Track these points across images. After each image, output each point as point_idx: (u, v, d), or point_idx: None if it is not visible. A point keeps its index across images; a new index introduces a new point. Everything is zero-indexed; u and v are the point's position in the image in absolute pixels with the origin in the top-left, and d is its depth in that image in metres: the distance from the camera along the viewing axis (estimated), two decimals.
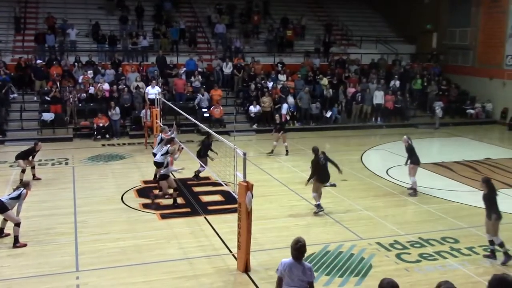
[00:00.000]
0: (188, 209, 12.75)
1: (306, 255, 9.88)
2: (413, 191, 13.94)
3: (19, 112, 21.57)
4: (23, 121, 21.39)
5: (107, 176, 14.94)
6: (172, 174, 13.53)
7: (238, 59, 26.21)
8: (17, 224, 10.27)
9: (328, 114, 24.49)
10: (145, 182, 14.99)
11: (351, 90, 25.46)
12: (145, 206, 12.87)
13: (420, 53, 31.20)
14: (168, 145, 13.65)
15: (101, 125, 21.27)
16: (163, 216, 12.21)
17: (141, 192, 14.00)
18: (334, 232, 11.33)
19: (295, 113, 24.12)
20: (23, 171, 14.74)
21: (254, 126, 23.45)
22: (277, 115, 19.71)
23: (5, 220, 10.62)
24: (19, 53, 24.40)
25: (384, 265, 9.72)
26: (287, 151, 18.20)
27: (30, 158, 15.11)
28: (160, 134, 15.23)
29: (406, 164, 14.15)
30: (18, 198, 10.36)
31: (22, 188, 10.51)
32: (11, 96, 22.47)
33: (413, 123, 25.46)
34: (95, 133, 21.23)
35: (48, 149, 19.06)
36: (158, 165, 13.83)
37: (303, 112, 24.24)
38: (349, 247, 10.44)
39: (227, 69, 25.70)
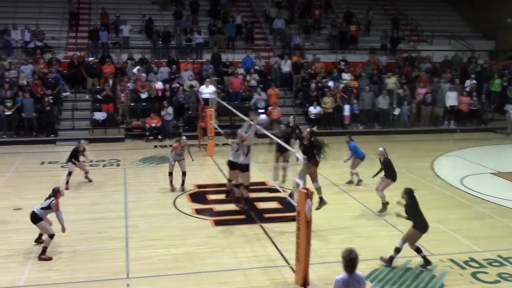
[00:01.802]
0: (243, 216, 12.77)
1: (369, 271, 9.83)
2: (384, 206, 12.97)
3: (71, 111, 22.38)
4: (75, 120, 22.20)
5: (158, 179, 15.20)
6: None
7: (298, 57, 26.12)
8: (50, 236, 10.31)
9: (397, 111, 23.99)
10: (199, 186, 15.15)
11: (421, 90, 24.85)
12: (198, 211, 13.00)
13: (499, 50, 30.06)
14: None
15: (153, 125, 21.72)
16: (217, 223, 12.29)
17: (194, 197, 14.16)
18: None
19: (358, 115, 23.83)
20: (69, 173, 15.02)
21: (314, 129, 23.15)
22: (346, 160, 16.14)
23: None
24: (72, 50, 25.32)
25: (458, 285, 9.40)
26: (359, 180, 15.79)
27: (80, 159, 15.31)
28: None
29: (374, 176, 13.43)
30: (49, 208, 10.36)
31: (52, 198, 10.39)
32: (63, 94, 23.31)
33: (491, 127, 24.53)
34: (147, 133, 21.70)
35: (99, 149, 19.66)
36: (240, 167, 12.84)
37: (365, 114, 23.91)
38: (418, 263, 10.14)
39: (286, 67, 25.66)
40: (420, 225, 9.84)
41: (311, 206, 8.75)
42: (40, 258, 10.16)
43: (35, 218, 10.34)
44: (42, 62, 23.57)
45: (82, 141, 15.49)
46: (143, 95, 22.93)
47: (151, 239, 11.24)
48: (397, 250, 10.00)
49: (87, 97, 23.65)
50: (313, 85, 24.19)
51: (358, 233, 11.65)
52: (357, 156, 15.11)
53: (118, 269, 9.82)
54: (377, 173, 13.28)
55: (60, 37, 26.73)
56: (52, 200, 10.33)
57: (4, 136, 21.00)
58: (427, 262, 10.03)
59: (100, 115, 21.99)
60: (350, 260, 6.24)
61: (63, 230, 10.40)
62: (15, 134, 21.21)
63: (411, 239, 9.96)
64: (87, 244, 10.94)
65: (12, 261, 10.10)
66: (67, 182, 14.63)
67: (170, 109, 21.95)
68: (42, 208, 10.38)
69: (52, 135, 21.38)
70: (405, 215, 9.97)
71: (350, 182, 15.46)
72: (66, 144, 20.32)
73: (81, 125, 22.22)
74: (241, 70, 25.01)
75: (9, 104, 21.04)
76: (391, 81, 25.18)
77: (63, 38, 26.74)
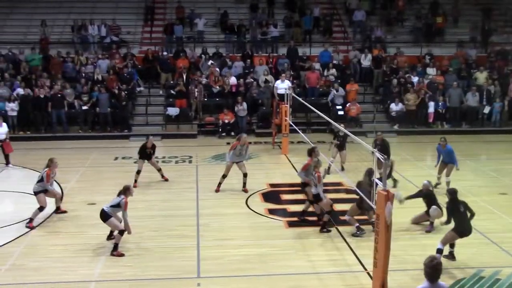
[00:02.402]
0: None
1: (454, 280, 9.52)
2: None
3: (144, 106, 23.12)
4: (148, 116, 22.91)
5: (231, 177, 15.40)
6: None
7: (379, 50, 25.68)
8: (120, 232, 10.59)
9: (487, 109, 23.09)
10: (272, 185, 15.22)
11: None
12: (271, 211, 13.07)
13: None
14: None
15: (226, 121, 22.03)
16: (291, 224, 12.31)
17: (267, 196, 14.24)
18: (489, 254, 10.69)
19: (444, 113, 23.13)
20: (138, 172, 15.24)
21: (396, 127, 22.82)
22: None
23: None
24: (146, 44, 26.12)
25: None
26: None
27: (151, 157, 15.42)
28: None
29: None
30: (118, 206, 10.59)
31: (122, 196, 10.60)
32: (138, 89, 24.12)
33: None
34: (220, 130, 22.05)
35: (171, 145, 20.20)
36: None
37: (452, 112, 23.17)
38: (509, 275, 9.73)
39: (366, 61, 25.30)
40: (458, 228, 10.09)
41: (391, 209, 8.56)
42: (112, 254, 10.56)
43: (105, 216, 10.68)
44: (118, 57, 24.49)
45: (150, 137, 15.61)
46: (217, 90, 23.29)
47: (222, 239, 11.43)
48: (439, 251, 9.96)
49: (160, 92, 24.36)
50: (395, 81, 23.70)
51: None
52: (452, 162, 14.32)
53: (189, 268, 10.05)
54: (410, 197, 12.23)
55: (135, 31, 27.66)
56: (122, 199, 10.59)
57: (80, 131, 22.04)
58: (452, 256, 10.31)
59: (173, 111, 22.56)
60: (432, 267, 6.07)
61: (128, 232, 10.59)
62: (90, 129, 22.20)
63: (449, 240, 10.19)
64: (159, 241, 11.27)
65: (86, 255, 10.57)
66: (135, 181, 15.00)
67: (244, 105, 22.19)
68: (111, 206, 10.69)
69: (126, 131, 22.19)
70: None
71: (437, 185, 14.54)
72: (140, 140, 20.99)
73: (154, 120, 22.91)
74: (318, 65, 24.89)
75: (85, 99, 22.05)
76: (481, 77, 24.25)
77: (138, 33, 27.65)
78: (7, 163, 17.44)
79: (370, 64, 25.29)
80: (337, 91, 23.17)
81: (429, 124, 23.15)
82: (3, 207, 13.95)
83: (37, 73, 23.28)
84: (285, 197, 14.40)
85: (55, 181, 13.85)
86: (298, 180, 15.50)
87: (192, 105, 22.90)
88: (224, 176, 14.52)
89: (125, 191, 10.72)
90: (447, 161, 14.44)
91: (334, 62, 25.22)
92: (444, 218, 10.59)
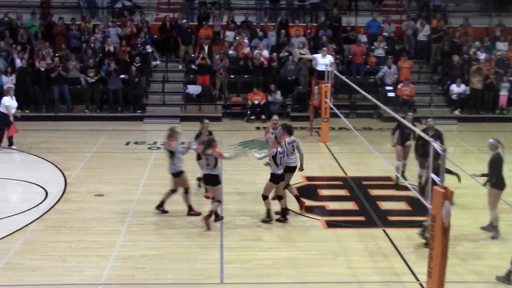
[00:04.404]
0: (362, 218, 12.75)
1: None
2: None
3: (161, 83, 23.24)
4: (165, 94, 23.02)
5: (260, 168, 15.43)
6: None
7: (439, 21, 25.39)
8: (219, 201, 12.09)
9: None
10: (308, 178, 15.28)
11: None
12: (307, 209, 13.13)
13: None
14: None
15: (256, 102, 22.11)
16: (330, 224, 12.36)
17: (303, 191, 14.25)
18: None
19: None
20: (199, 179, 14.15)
21: (457, 112, 22.61)
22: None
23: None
24: (164, 11, 26.26)
25: None
26: None
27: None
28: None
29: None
30: (216, 164, 11.95)
31: (209, 150, 11.86)
32: (153, 63, 24.28)
33: None
34: (249, 112, 22.14)
35: (192, 130, 20.26)
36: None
37: None
38: None
39: (423, 33, 25.06)
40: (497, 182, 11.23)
41: (449, 210, 8.55)
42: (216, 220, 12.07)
43: (217, 180, 11.98)
44: (130, 25, 24.61)
45: (206, 120, 14.48)
46: (245, 66, 23.32)
47: (249, 239, 11.54)
48: None
49: (180, 67, 24.51)
50: (457, 57, 23.45)
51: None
52: None
53: (211, 272, 10.19)
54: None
55: None
56: (213, 152, 11.79)
57: (87, 111, 22.33)
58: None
59: (194, 89, 22.68)
60: None
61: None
62: (98, 109, 22.48)
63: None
64: (177, 240, 11.44)
65: (93, 254, 10.77)
66: (199, 185, 14.19)
67: (278, 94, 22.23)
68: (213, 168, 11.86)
69: (139, 111, 22.40)
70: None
71: None
72: (155, 122, 21.26)
73: (172, 100, 23.07)
74: (365, 37, 24.73)
75: (91, 74, 22.12)
76: None
77: None
78: (10, 144, 17.74)
79: (428, 37, 25.04)
80: (388, 68, 23.00)
81: (498, 110, 22.87)
82: None
83: (37, 42, 23.61)
84: (323, 192, 14.45)
85: None
86: (339, 173, 15.56)
87: (216, 82, 23.01)
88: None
89: (210, 145, 11.90)
90: None
91: (384, 34, 25.06)
92: None
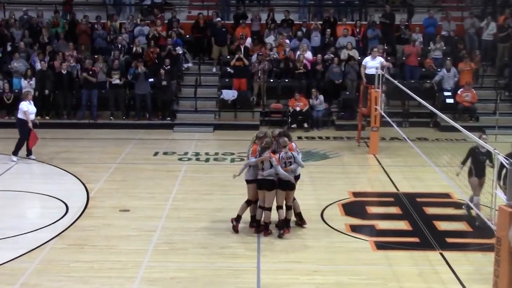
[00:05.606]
0: (416, 239, 12.60)
1: None
2: None
3: (193, 87, 23.38)
4: (198, 100, 23.08)
5: (302, 182, 15.38)
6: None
7: (506, 18, 25.09)
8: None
9: None
10: (355, 194, 15.20)
11: None
12: (354, 228, 13.05)
13: None
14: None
15: (298, 109, 22.10)
16: (379, 246, 12.25)
17: (349, 209, 14.20)
18: None
19: None
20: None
21: None
22: None
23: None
24: (197, 8, 26.46)
25: None
26: None
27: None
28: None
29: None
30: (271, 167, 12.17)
31: (266, 153, 12.10)
32: (184, 65, 24.49)
33: None
34: (289, 120, 22.12)
35: (227, 139, 20.38)
36: None
37: None
38: None
39: (487, 32, 24.79)
40: None
41: None
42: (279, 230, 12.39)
43: (272, 184, 12.18)
44: (160, 23, 24.83)
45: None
46: (286, 69, 23.35)
47: (290, 261, 11.47)
48: None
49: (214, 70, 24.66)
50: None
51: None
52: None
53: None
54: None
55: None
56: (270, 157, 12.13)
57: (111, 118, 22.57)
58: None
59: (229, 94, 22.78)
60: None
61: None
62: (124, 116, 22.69)
63: None
64: (208, 262, 11.42)
65: (117, 276, 10.81)
66: None
67: (321, 98, 22.20)
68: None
69: (169, 119, 22.56)
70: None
71: None
72: (186, 131, 21.39)
73: (205, 106, 23.18)
74: (421, 37, 24.57)
75: (116, 76, 22.25)
76: None
77: None
78: (29, 154, 17.91)
79: (494, 35, 24.77)
80: (448, 71, 22.79)
81: None
82: (13, 211, 14.19)
83: (59, 43, 23.95)
84: (372, 210, 14.34)
85: None
86: (390, 189, 15.41)
87: (254, 87, 23.08)
88: None
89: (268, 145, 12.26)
90: None
91: (443, 33, 24.88)
92: None
